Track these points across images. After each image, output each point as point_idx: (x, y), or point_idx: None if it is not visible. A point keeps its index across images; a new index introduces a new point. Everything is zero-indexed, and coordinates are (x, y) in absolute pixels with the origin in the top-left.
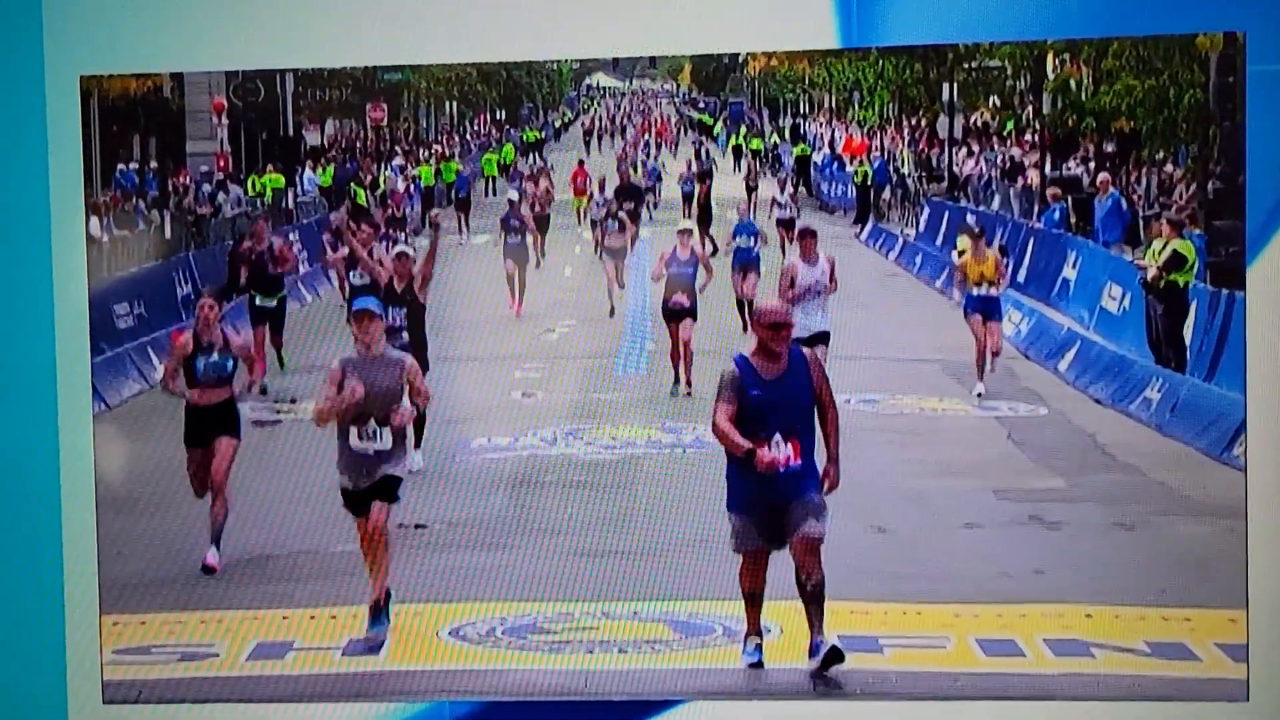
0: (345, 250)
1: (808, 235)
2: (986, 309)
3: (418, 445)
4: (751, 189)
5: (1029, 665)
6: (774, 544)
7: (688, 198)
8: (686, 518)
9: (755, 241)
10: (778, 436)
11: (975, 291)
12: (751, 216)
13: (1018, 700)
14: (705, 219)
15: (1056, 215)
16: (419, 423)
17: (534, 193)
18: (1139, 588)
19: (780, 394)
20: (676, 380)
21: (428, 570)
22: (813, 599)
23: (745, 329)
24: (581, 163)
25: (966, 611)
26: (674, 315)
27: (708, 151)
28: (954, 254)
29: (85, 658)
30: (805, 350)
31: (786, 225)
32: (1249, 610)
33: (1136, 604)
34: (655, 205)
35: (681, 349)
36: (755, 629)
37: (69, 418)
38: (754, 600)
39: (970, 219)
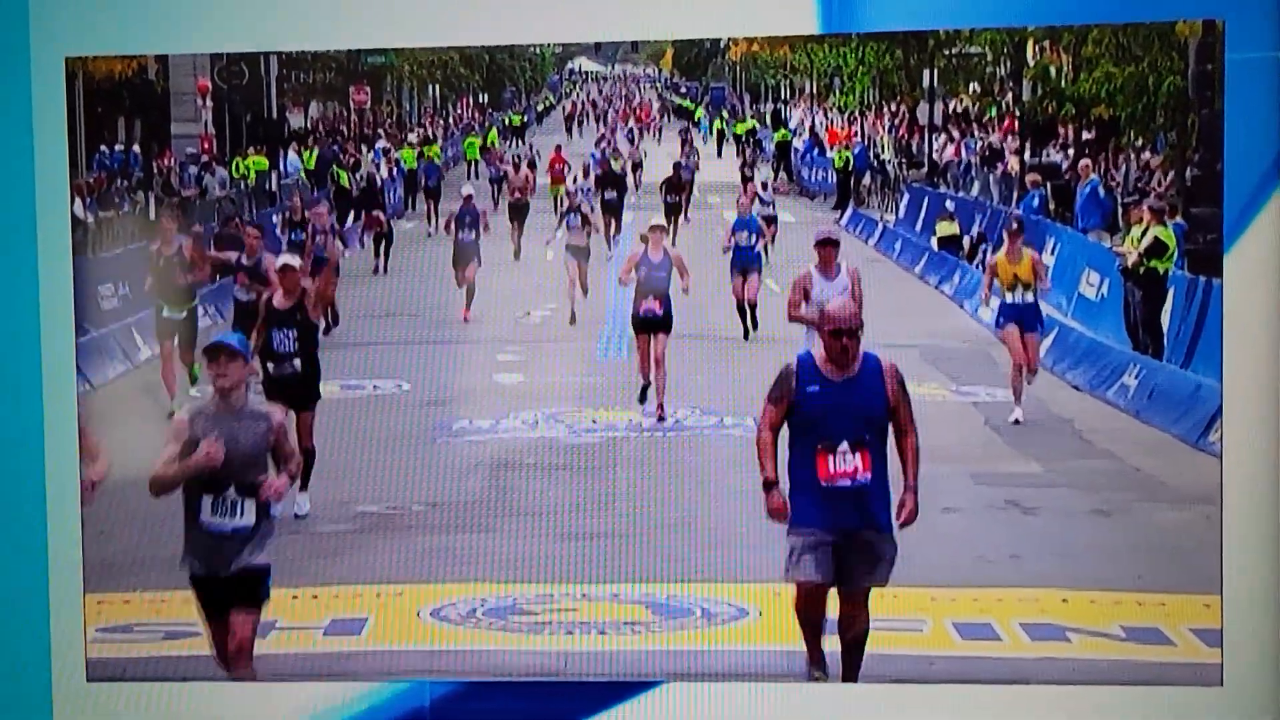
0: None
1: (828, 245)
2: (1023, 318)
3: (304, 486)
4: (747, 178)
5: (1005, 649)
6: (834, 580)
7: (684, 189)
8: (666, 501)
9: (757, 239)
10: (845, 445)
11: (1009, 298)
12: (756, 208)
13: (993, 684)
14: (682, 209)
15: (1036, 202)
16: (306, 460)
17: (514, 180)
18: (1115, 573)
19: (847, 398)
20: (644, 395)
21: (409, 551)
22: (851, 648)
23: (746, 335)
24: (559, 148)
25: (943, 595)
26: (645, 326)
27: (686, 138)
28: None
29: (69, 636)
30: (881, 357)
31: (767, 221)
32: (1223, 596)
33: (1112, 589)
34: (637, 187)
35: (653, 367)
36: (818, 660)
37: (54, 398)
38: (812, 628)
39: (949, 205)
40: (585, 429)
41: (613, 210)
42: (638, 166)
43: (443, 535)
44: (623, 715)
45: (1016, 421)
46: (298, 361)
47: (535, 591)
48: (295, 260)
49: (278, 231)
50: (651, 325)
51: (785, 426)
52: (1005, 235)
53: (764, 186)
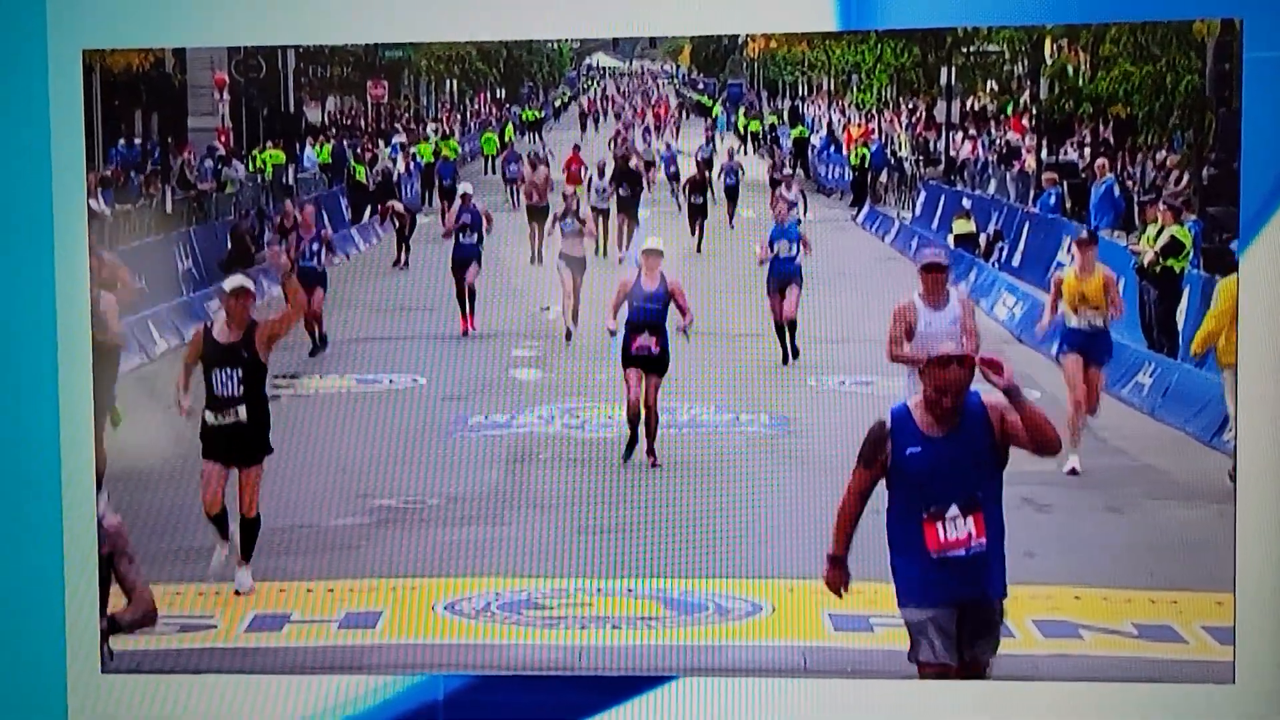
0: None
1: (935, 269)
2: (1089, 348)
3: (246, 557)
4: (777, 182)
5: (1018, 646)
6: (956, 657)
7: (730, 192)
8: (681, 496)
9: (798, 249)
10: (954, 510)
11: (1074, 322)
12: (801, 216)
13: (1006, 680)
14: (708, 213)
15: (1052, 200)
16: (248, 530)
17: (531, 180)
18: (1128, 570)
19: (951, 454)
20: (632, 446)
21: (424, 545)
22: None
23: (786, 360)
24: (577, 148)
25: None
26: (638, 365)
27: (711, 138)
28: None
29: (85, 628)
30: (986, 398)
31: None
32: (1236, 594)
33: (1125, 586)
34: (672, 191)
35: (643, 412)
36: None
37: (70, 391)
38: None
39: (966, 202)
40: (601, 424)
41: (628, 209)
42: (650, 165)
43: (458, 529)
44: (636, 710)
45: (1074, 471)
46: (242, 409)
47: (550, 586)
48: (247, 283)
49: (266, 242)
50: (644, 365)
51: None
52: (1075, 248)
53: (788, 184)
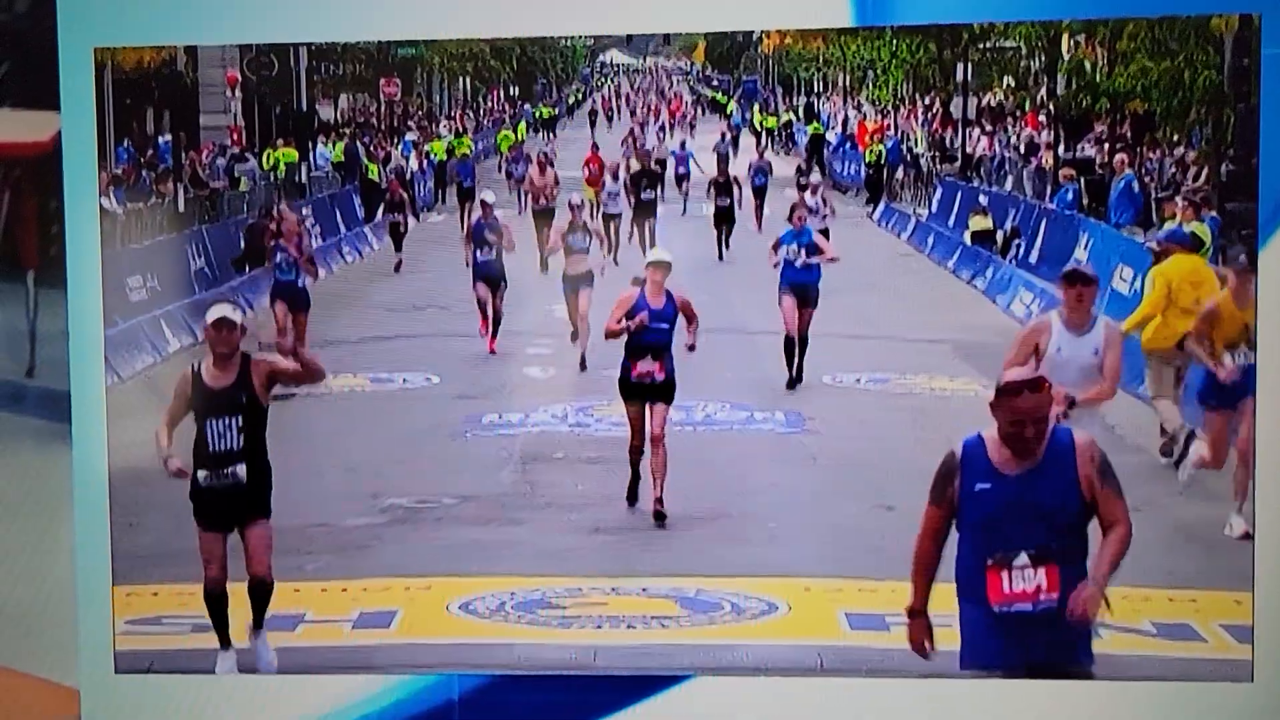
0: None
1: (1080, 281)
2: (1235, 395)
3: (258, 624)
4: (803, 186)
5: None
6: None
7: (759, 192)
8: (696, 495)
9: (811, 254)
10: (1024, 558)
11: (1225, 360)
12: (821, 216)
13: (1024, 679)
14: (734, 217)
15: (1069, 196)
16: (258, 593)
17: (538, 183)
18: (1146, 569)
19: (1026, 495)
20: (634, 493)
21: (438, 545)
22: None
23: (791, 384)
24: (596, 147)
25: None
26: (639, 394)
27: (737, 137)
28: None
29: (98, 628)
30: (1076, 433)
31: (824, 234)
32: (1255, 592)
33: (1143, 585)
34: (685, 195)
35: (649, 449)
36: None
37: (81, 390)
38: None
39: (983, 199)
40: (615, 422)
41: (648, 212)
42: (661, 164)
43: (472, 528)
44: (652, 709)
45: (1247, 535)
46: (241, 469)
47: (564, 585)
48: (233, 312)
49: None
50: (648, 394)
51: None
52: (1232, 275)
53: (813, 191)
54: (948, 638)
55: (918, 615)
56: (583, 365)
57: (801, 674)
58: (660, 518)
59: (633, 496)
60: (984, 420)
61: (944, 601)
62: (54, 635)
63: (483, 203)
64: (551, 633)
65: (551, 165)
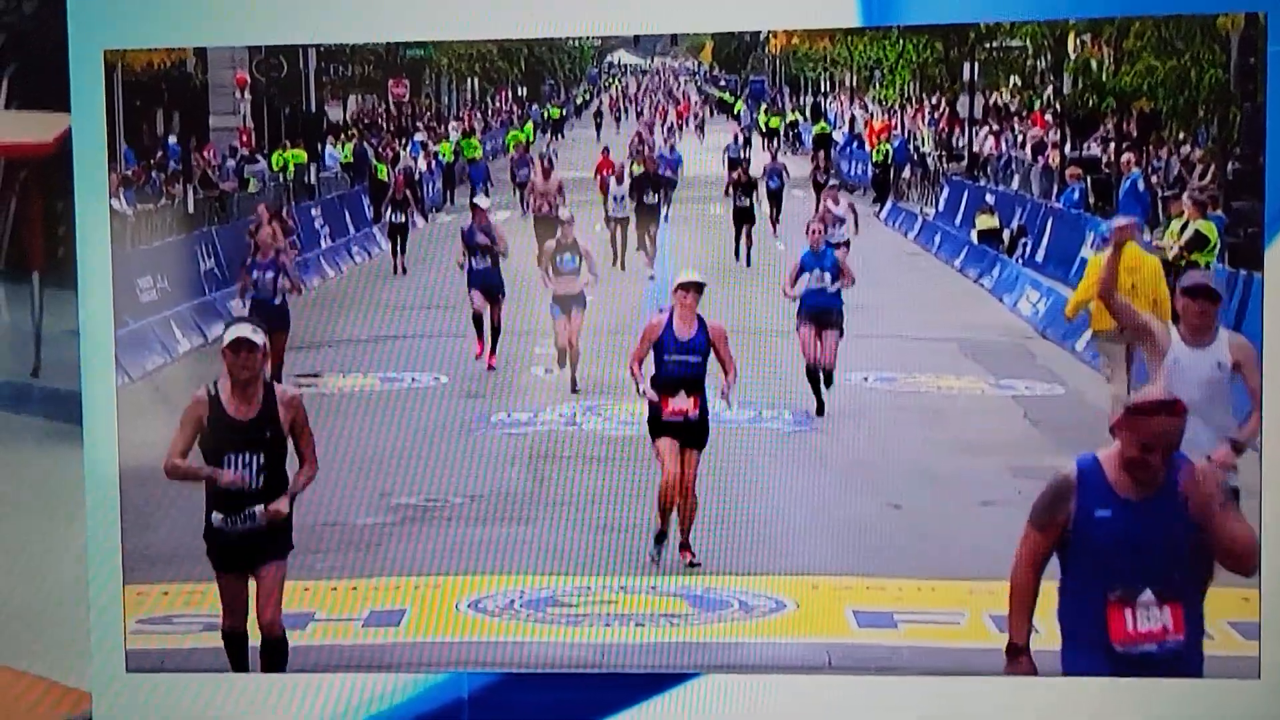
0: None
1: (1201, 295)
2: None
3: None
4: (820, 184)
5: (1042, 641)
6: None
7: (774, 196)
8: (704, 493)
9: (835, 279)
10: (1149, 595)
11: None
12: (842, 232)
13: (1031, 676)
14: (755, 218)
15: (1076, 195)
16: (274, 658)
17: (540, 188)
18: None
19: (1153, 524)
20: (661, 543)
21: (448, 543)
22: None
23: (820, 411)
24: (607, 150)
25: (981, 588)
26: (668, 432)
27: (749, 139)
28: None
29: (109, 627)
30: (1196, 463)
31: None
32: (1261, 589)
33: None
34: (667, 201)
35: (678, 491)
36: None
37: (93, 390)
38: None
39: (989, 198)
40: (623, 421)
41: (651, 217)
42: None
43: (481, 527)
44: (660, 707)
45: None
46: (260, 510)
47: (573, 583)
48: (254, 333)
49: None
50: (680, 434)
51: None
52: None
53: (834, 200)
54: (955, 636)
55: (1020, 653)
56: (574, 387)
57: (810, 672)
58: (693, 566)
59: (658, 548)
60: (992, 418)
61: (953, 599)
62: (65, 635)
63: (474, 207)
64: (560, 631)
65: (552, 167)
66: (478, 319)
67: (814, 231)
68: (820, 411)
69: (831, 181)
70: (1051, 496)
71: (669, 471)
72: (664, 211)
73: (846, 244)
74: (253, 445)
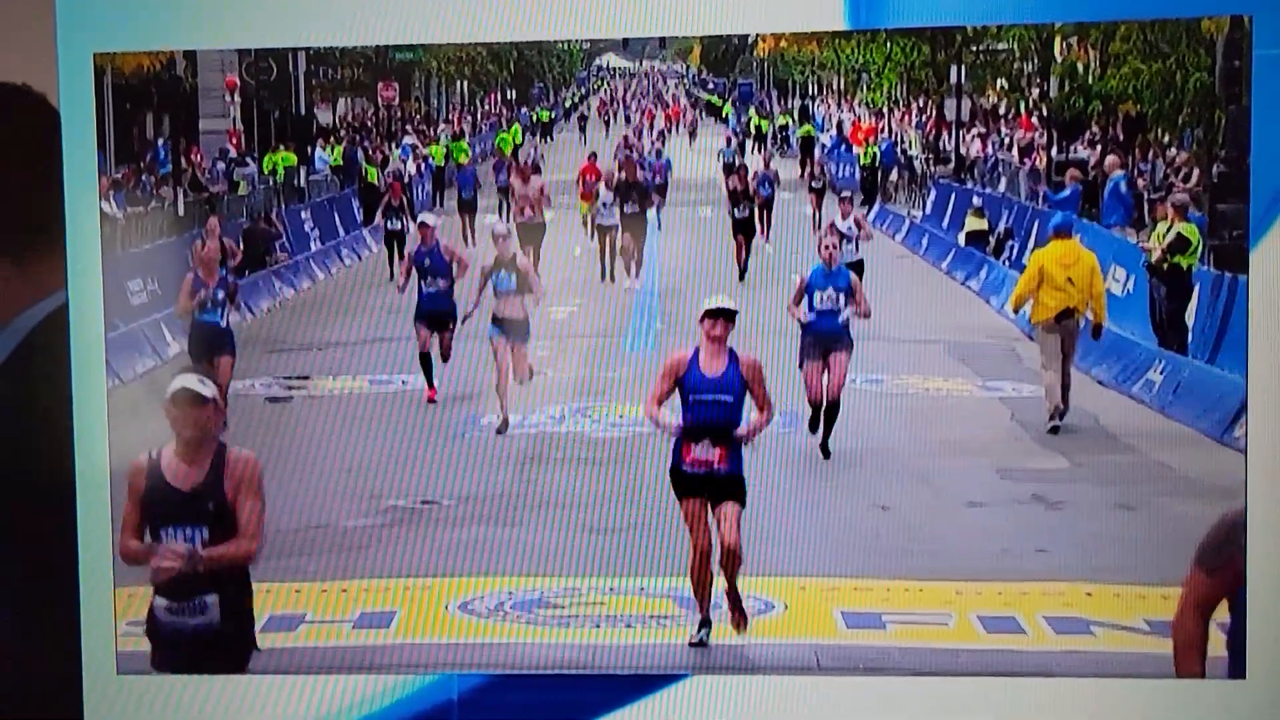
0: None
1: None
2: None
3: None
4: (815, 190)
5: (1030, 642)
6: None
7: (766, 203)
8: None
9: (846, 303)
10: None
11: None
12: (855, 244)
13: (1018, 676)
14: (757, 228)
15: (1067, 194)
16: None
17: (520, 193)
18: (1139, 567)
19: None
20: (705, 626)
21: (437, 545)
22: None
23: (826, 453)
24: (594, 156)
25: (968, 589)
26: (692, 490)
27: (743, 143)
28: None
29: (99, 629)
30: None
31: (856, 270)
32: (1247, 590)
33: (1137, 583)
34: (659, 207)
35: (715, 559)
36: None
37: (83, 392)
38: None
39: (977, 200)
40: (612, 423)
41: (636, 229)
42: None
43: (471, 529)
44: (649, 708)
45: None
46: (210, 600)
47: (562, 585)
48: (203, 385)
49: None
50: (710, 490)
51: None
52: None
53: (844, 213)
54: (943, 637)
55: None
56: (503, 427)
57: (798, 673)
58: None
59: (700, 639)
60: (979, 419)
61: (940, 600)
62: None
63: (422, 226)
64: (550, 632)
65: (538, 173)
66: (425, 357)
67: (828, 247)
68: (826, 454)
69: (844, 191)
70: (1223, 537)
71: (697, 545)
72: (658, 218)
73: (859, 265)
74: (194, 516)
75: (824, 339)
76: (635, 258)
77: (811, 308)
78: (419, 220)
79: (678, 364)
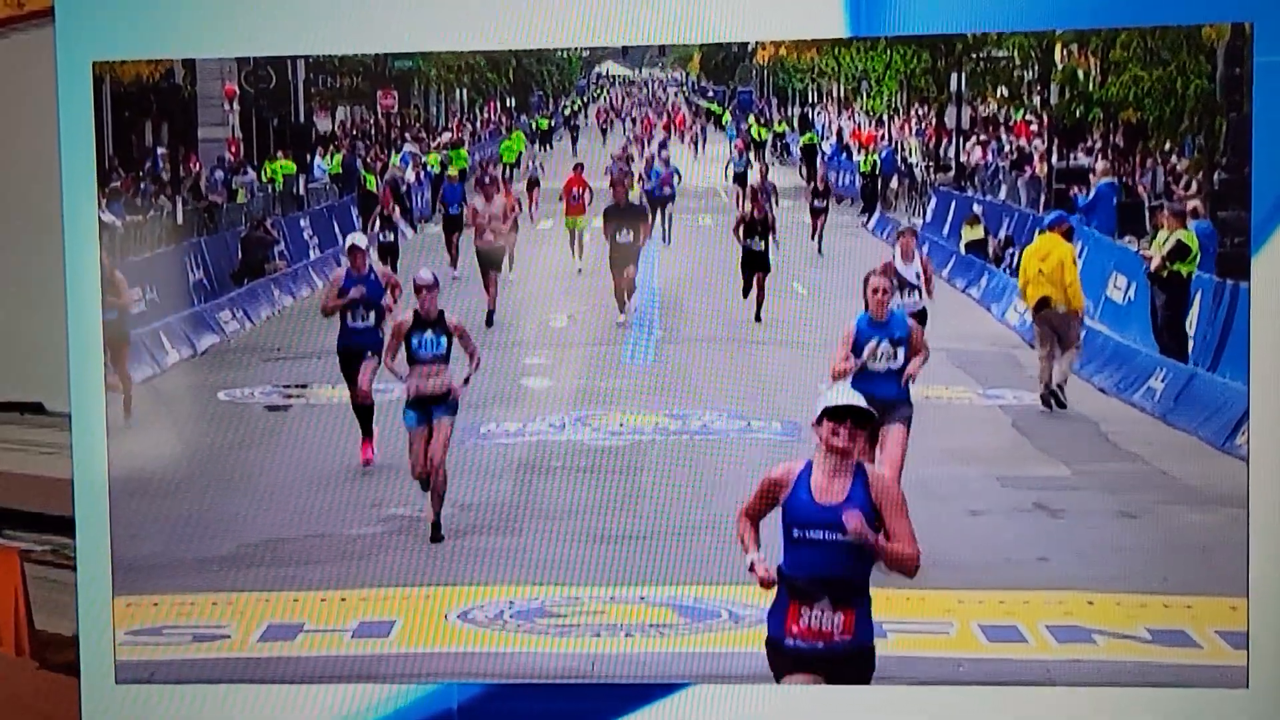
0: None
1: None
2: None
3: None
4: (819, 211)
5: (1031, 651)
6: None
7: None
8: (693, 504)
9: (904, 359)
10: None
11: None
12: (917, 294)
13: (1020, 685)
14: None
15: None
16: None
17: (484, 213)
18: (1141, 575)
19: None
20: None
21: (437, 554)
22: None
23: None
24: (579, 168)
25: (970, 597)
26: (806, 668)
27: (749, 157)
28: None
29: (98, 639)
30: None
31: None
32: (1249, 598)
33: (1138, 591)
34: (668, 229)
35: None
36: None
37: (81, 400)
38: None
39: (977, 208)
40: (612, 432)
41: (626, 259)
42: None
43: (471, 538)
44: (650, 717)
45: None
46: None
47: (562, 594)
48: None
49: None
50: (828, 670)
51: None
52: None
53: (906, 251)
54: (943, 646)
55: None
56: (436, 535)
57: (799, 682)
58: None
59: None
60: (980, 427)
61: (941, 609)
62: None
63: (352, 249)
64: (550, 641)
65: (500, 191)
66: (361, 409)
67: (878, 291)
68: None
69: (901, 224)
70: None
71: None
72: (665, 232)
73: (921, 315)
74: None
75: (875, 406)
76: (628, 288)
77: (858, 365)
78: (348, 244)
79: (781, 480)
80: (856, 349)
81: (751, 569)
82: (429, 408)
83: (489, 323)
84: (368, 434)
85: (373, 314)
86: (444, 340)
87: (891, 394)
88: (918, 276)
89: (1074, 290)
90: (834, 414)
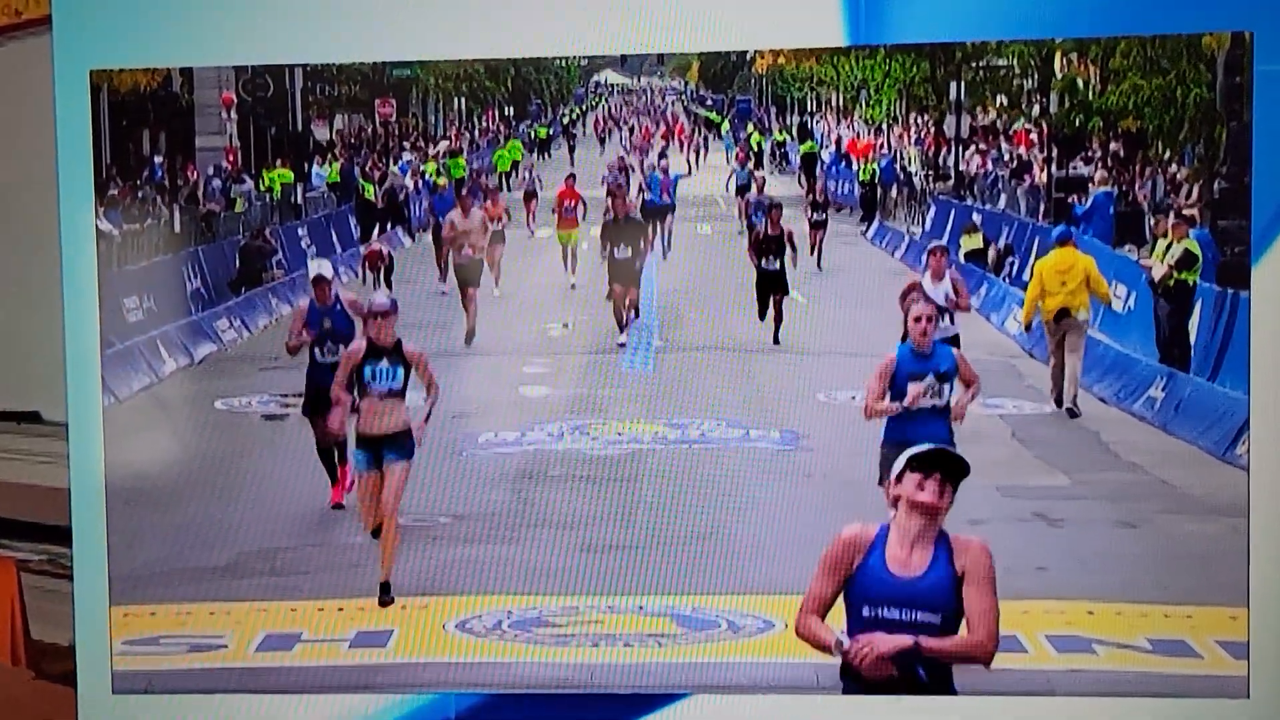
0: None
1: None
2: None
3: None
4: (818, 224)
5: (1031, 661)
6: None
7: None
8: (692, 513)
9: (946, 388)
10: None
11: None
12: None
13: (1020, 695)
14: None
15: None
16: None
17: (464, 227)
18: (1141, 585)
19: None
20: None
21: (434, 563)
22: None
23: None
24: (572, 178)
25: None
26: None
27: (750, 168)
28: None
29: (95, 648)
30: None
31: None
32: (1250, 608)
33: (1138, 601)
34: (667, 240)
35: None
36: None
37: (78, 410)
38: None
39: (976, 217)
40: (610, 441)
41: (627, 277)
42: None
43: (468, 547)
44: None
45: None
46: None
47: (561, 604)
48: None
49: None
50: None
51: None
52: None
53: (938, 271)
54: None
55: None
56: (385, 597)
57: (798, 691)
58: None
59: None
60: (980, 437)
61: None
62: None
63: (317, 279)
64: (548, 651)
65: (479, 204)
66: (327, 451)
67: (921, 319)
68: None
69: (932, 241)
70: None
71: None
72: (665, 244)
73: (955, 340)
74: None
75: (924, 464)
76: (627, 307)
77: (900, 404)
78: (313, 274)
79: (849, 548)
80: (896, 386)
81: (840, 650)
82: (380, 450)
83: (468, 341)
84: (335, 478)
85: (341, 348)
86: (399, 371)
87: (940, 435)
88: (947, 298)
89: (1104, 291)
90: (921, 462)
